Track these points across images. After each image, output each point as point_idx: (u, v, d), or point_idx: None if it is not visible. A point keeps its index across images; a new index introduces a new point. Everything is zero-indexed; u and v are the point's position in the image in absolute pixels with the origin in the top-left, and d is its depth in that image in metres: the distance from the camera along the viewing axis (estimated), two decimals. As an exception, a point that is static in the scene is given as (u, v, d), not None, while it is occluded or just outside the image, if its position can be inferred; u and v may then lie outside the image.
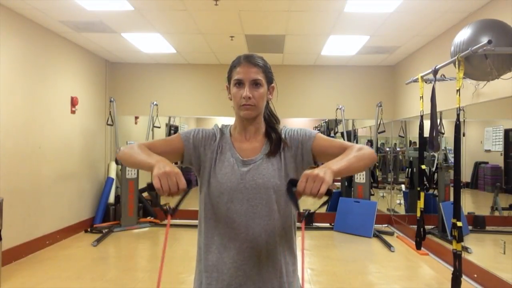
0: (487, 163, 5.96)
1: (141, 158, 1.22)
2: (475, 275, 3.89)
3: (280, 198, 1.27)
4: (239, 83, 1.29)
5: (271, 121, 1.38)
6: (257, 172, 1.27)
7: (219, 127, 1.39)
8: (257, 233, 1.25)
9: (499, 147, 5.59)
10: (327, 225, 6.42)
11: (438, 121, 4.94)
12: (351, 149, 1.23)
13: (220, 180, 1.27)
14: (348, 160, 1.18)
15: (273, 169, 1.28)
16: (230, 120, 1.43)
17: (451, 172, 5.05)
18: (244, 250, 1.24)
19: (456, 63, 3.16)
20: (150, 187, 1.10)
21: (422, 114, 4.02)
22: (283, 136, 1.34)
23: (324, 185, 1.04)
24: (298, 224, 1.38)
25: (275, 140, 1.33)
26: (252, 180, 1.26)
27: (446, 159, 5.50)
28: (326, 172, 1.07)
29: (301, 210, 1.13)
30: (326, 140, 1.32)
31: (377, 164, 6.91)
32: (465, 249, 4.29)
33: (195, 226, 1.43)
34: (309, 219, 6.41)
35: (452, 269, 3.12)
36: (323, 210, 6.93)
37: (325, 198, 1.06)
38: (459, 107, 3.12)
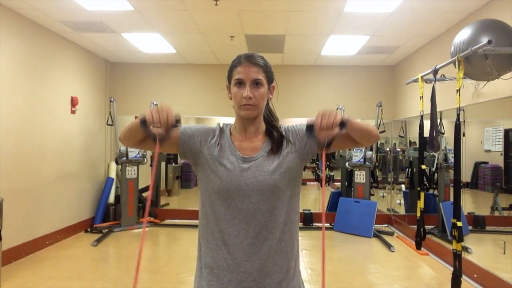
0: (487, 163, 5.95)
1: (134, 121, 1.28)
2: (475, 275, 3.89)
3: (281, 194, 1.27)
4: (240, 83, 1.29)
5: (271, 120, 1.39)
6: (258, 169, 1.27)
7: (221, 125, 1.39)
8: (258, 230, 1.25)
9: (499, 147, 5.58)
10: (327, 225, 6.41)
11: (438, 121, 4.95)
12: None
13: (221, 177, 1.27)
14: (357, 121, 1.28)
15: (274, 166, 1.28)
16: (230, 120, 1.43)
17: (451, 172, 5.05)
18: (245, 247, 1.25)
19: (456, 63, 3.16)
20: (142, 121, 1.22)
21: (422, 114, 4.01)
22: (286, 133, 1.35)
23: (337, 117, 1.18)
24: (299, 224, 1.38)
25: (277, 138, 1.33)
26: (253, 177, 1.26)
27: (446, 159, 5.50)
28: (337, 111, 1.21)
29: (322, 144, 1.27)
30: None
31: (377, 164, 6.91)
32: (465, 249, 4.29)
33: (195, 226, 1.42)
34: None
35: (452, 269, 3.12)
36: (320, 209, 6.95)
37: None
38: (459, 107, 3.12)
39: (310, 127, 1.24)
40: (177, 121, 1.21)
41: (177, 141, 1.34)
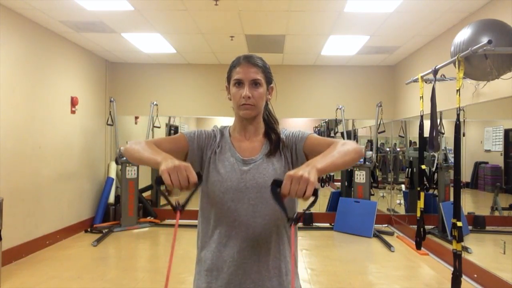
0: (487, 163, 5.95)
1: (147, 154, 1.20)
2: (475, 275, 3.89)
3: None
4: (239, 83, 1.30)
5: (270, 122, 1.40)
6: (257, 172, 1.28)
7: (218, 128, 1.41)
8: (257, 232, 1.25)
9: (499, 147, 5.58)
10: (327, 225, 6.43)
11: (438, 121, 4.95)
12: (334, 146, 1.21)
13: (221, 179, 1.28)
14: (331, 157, 1.15)
15: (274, 168, 1.29)
16: (230, 120, 1.44)
17: (451, 172, 5.05)
18: (244, 249, 1.25)
19: (456, 63, 3.16)
20: (158, 182, 1.04)
21: (422, 114, 4.01)
22: (282, 136, 1.36)
23: (310, 186, 1.00)
24: (299, 224, 1.38)
25: (274, 140, 1.34)
26: (253, 179, 1.27)
27: (446, 159, 5.50)
28: (310, 171, 1.03)
29: (289, 215, 1.08)
30: (317, 139, 1.32)
31: (377, 164, 6.91)
32: (465, 249, 4.29)
33: (195, 226, 1.43)
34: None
35: (452, 269, 3.12)
36: (320, 209, 6.86)
37: (311, 200, 1.04)
38: (459, 107, 3.12)
39: (277, 183, 1.04)
40: (199, 178, 1.07)
41: (185, 151, 1.32)
